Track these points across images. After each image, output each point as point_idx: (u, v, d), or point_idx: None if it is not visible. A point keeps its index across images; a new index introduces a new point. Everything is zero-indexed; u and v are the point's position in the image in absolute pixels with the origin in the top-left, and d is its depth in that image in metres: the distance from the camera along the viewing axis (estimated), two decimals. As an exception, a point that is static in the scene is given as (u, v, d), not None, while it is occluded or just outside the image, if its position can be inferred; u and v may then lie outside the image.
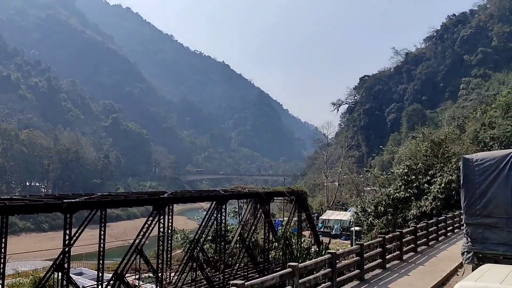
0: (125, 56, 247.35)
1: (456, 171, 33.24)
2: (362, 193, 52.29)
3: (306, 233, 38.61)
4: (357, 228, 37.53)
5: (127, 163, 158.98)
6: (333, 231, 43.33)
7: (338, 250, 15.24)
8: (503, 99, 79.17)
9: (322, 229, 43.42)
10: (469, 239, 9.97)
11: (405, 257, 13.72)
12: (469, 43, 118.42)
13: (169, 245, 25.05)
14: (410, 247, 14.62)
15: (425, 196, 33.44)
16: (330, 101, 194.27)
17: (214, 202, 23.69)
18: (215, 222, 23.82)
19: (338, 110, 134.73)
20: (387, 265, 12.38)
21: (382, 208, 34.60)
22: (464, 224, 10.27)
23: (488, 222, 9.67)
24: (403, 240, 13.79)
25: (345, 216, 42.14)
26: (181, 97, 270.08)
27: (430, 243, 16.49)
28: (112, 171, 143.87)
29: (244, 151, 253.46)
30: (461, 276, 12.56)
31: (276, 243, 28.93)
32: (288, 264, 7.96)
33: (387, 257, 12.50)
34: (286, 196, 31.09)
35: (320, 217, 47.08)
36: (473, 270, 8.48)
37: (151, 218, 19.45)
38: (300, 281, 7.95)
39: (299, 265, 7.99)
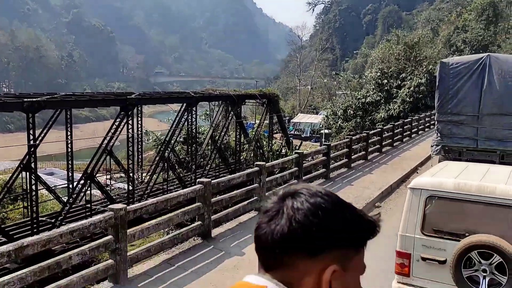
0: None
1: (426, 75, 33.61)
2: (334, 97, 52.79)
3: (278, 136, 39.42)
4: (326, 131, 38.47)
5: (92, 63, 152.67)
6: (304, 134, 44.34)
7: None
8: (478, 1, 77.91)
9: (293, 132, 44.33)
10: (439, 134, 10.91)
11: (370, 157, 14.20)
12: None
13: (139, 147, 25.14)
14: (375, 147, 15.08)
15: (394, 100, 34.10)
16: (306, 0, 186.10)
17: (185, 104, 23.35)
18: (185, 124, 23.70)
19: (313, 10, 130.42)
20: (352, 165, 12.82)
21: (352, 112, 35.22)
22: (436, 122, 11.22)
23: (456, 119, 10.59)
24: (369, 141, 14.14)
25: (316, 119, 42.87)
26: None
27: (394, 144, 17.06)
28: (78, 71, 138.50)
29: (216, 52, 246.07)
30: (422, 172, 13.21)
31: (247, 145, 29.44)
32: (256, 163, 8.00)
33: (352, 157, 12.87)
34: (258, 99, 30.94)
35: (291, 120, 47.76)
36: (439, 161, 9.34)
37: (118, 120, 19.04)
38: (267, 179, 8.06)
39: (266, 164, 8.04)
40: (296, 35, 79.41)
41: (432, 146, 11.04)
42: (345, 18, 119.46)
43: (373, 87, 34.84)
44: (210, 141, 26.73)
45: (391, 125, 16.96)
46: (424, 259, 4.46)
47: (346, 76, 43.29)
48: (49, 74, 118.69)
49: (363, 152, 13.79)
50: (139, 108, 22.93)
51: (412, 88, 33.01)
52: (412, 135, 19.84)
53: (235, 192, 7.18)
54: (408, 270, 4.55)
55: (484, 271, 4.14)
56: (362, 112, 34.87)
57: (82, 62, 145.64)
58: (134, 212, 5.37)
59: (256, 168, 7.69)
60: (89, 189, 18.94)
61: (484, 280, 4.14)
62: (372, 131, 15.30)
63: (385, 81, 34.48)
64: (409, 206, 4.56)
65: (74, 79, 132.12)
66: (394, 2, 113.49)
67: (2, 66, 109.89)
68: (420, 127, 21.74)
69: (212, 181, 6.48)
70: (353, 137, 13.09)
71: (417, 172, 13.14)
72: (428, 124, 23.97)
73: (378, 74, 35.02)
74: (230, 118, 27.82)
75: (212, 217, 6.69)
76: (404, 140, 18.35)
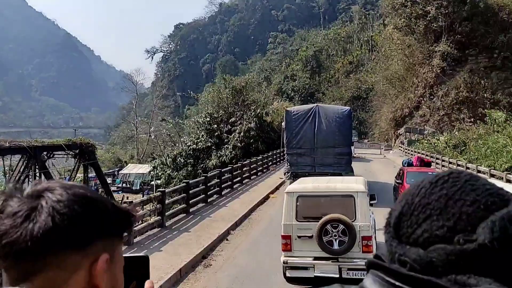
0: None
1: (255, 119, 32.92)
2: (177, 144, 49.54)
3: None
4: (158, 182, 34.65)
5: None
6: (134, 186, 39.58)
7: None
8: (303, 54, 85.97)
9: (120, 185, 39.21)
10: (288, 164, 14.61)
11: (168, 223, 10.79)
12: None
13: None
14: (178, 209, 11.84)
15: (225, 146, 32.37)
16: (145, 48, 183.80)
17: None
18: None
19: (152, 58, 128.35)
20: (167, 223, 9.36)
21: (182, 160, 32.34)
22: (286, 154, 15.09)
23: (299, 152, 14.26)
24: (165, 202, 10.82)
25: (146, 169, 38.67)
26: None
27: (209, 200, 14.10)
28: None
29: (49, 100, 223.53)
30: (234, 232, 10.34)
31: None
32: None
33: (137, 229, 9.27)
34: (65, 149, 25.78)
35: (120, 172, 42.59)
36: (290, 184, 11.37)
37: None
38: None
39: None
40: (131, 81, 75.06)
41: (284, 173, 14.90)
42: (185, 66, 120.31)
43: (203, 133, 32.71)
44: None
45: (203, 177, 14.01)
46: (299, 237, 6.56)
47: (174, 122, 40.65)
48: None
49: (158, 217, 10.37)
50: None
51: (242, 134, 31.83)
52: (235, 186, 17.30)
53: None
54: (290, 247, 6.60)
55: (335, 236, 6.40)
56: (193, 159, 32.25)
57: None
58: None
59: None
60: None
61: (335, 242, 6.41)
62: (157, 192, 11.91)
63: (215, 126, 32.72)
64: (286, 204, 6.69)
65: None
66: (230, 52, 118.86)
67: None
68: (244, 175, 19.51)
69: None
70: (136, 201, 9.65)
71: (227, 240, 10.24)
72: (255, 170, 22.12)
73: (208, 119, 33.15)
74: (33, 173, 22.15)
75: None
76: (223, 193, 15.62)
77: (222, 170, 16.21)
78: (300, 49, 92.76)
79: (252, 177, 20.56)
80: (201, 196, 13.56)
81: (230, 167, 17.30)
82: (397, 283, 0.60)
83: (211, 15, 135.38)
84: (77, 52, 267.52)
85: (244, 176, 19.16)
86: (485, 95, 39.81)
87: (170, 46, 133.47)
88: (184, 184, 12.20)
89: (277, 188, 18.17)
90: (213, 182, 14.98)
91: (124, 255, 0.81)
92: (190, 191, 12.29)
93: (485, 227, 0.59)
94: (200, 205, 13.26)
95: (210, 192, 14.26)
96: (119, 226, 0.76)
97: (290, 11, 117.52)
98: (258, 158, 23.20)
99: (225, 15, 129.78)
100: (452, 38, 42.68)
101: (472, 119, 37.84)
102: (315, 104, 15.71)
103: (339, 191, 6.65)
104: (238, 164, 19.12)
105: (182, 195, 12.00)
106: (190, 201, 12.25)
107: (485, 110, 34.72)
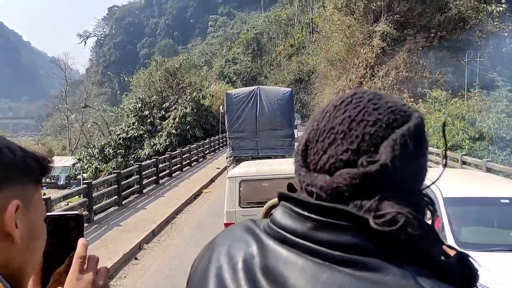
0: None
1: (191, 103, 30.39)
2: (111, 133, 45.95)
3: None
4: (85, 175, 31.27)
5: None
6: (59, 181, 35.78)
7: None
8: (244, 36, 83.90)
9: (43, 180, 35.17)
10: (230, 148, 13.73)
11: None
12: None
13: None
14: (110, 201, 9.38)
15: (159, 133, 29.69)
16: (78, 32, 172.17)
17: None
18: None
19: (85, 43, 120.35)
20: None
21: (111, 150, 29.26)
22: (228, 138, 14.05)
23: (242, 135, 13.56)
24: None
25: (71, 162, 34.95)
26: None
27: (124, 202, 11.69)
28: None
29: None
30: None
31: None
32: None
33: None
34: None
35: (44, 166, 38.32)
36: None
37: None
38: None
39: None
40: (58, 66, 69.24)
41: (226, 158, 13.96)
42: (121, 51, 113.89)
43: (134, 120, 29.74)
44: None
45: (115, 174, 11.43)
46: None
47: (100, 109, 37.18)
48: None
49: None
50: None
51: (177, 119, 29.24)
52: (161, 181, 14.93)
53: None
54: None
55: None
56: (124, 149, 29.26)
57: None
58: None
59: None
60: None
61: None
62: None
63: (147, 112, 29.83)
64: (229, 190, 6.30)
65: None
66: (169, 36, 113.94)
67: None
68: (175, 167, 17.15)
69: None
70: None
71: (144, 248, 8.00)
72: (189, 160, 19.81)
73: (139, 105, 30.17)
74: None
75: None
76: (144, 191, 13.21)
77: (143, 163, 13.77)
78: (241, 32, 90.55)
79: (184, 169, 18.24)
80: (113, 198, 11.08)
81: (154, 159, 14.83)
82: (305, 213, 0.58)
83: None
84: (3, 37, 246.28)
85: (174, 168, 16.78)
86: (424, 74, 39.85)
87: (105, 30, 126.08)
88: (85, 185, 9.64)
89: (212, 180, 16.06)
90: (131, 179, 12.52)
91: (56, 213, 0.79)
92: (95, 194, 9.79)
93: (386, 146, 0.56)
94: (111, 209, 10.76)
95: (126, 192, 11.80)
96: (30, 172, 0.71)
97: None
98: (191, 146, 20.87)
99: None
100: (391, 18, 42.17)
101: (412, 99, 37.69)
102: (256, 86, 15.16)
103: (283, 173, 6.22)
104: (166, 155, 16.66)
105: (83, 199, 9.46)
106: (95, 206, 9.76)
107: (424, 89, 34.55)
